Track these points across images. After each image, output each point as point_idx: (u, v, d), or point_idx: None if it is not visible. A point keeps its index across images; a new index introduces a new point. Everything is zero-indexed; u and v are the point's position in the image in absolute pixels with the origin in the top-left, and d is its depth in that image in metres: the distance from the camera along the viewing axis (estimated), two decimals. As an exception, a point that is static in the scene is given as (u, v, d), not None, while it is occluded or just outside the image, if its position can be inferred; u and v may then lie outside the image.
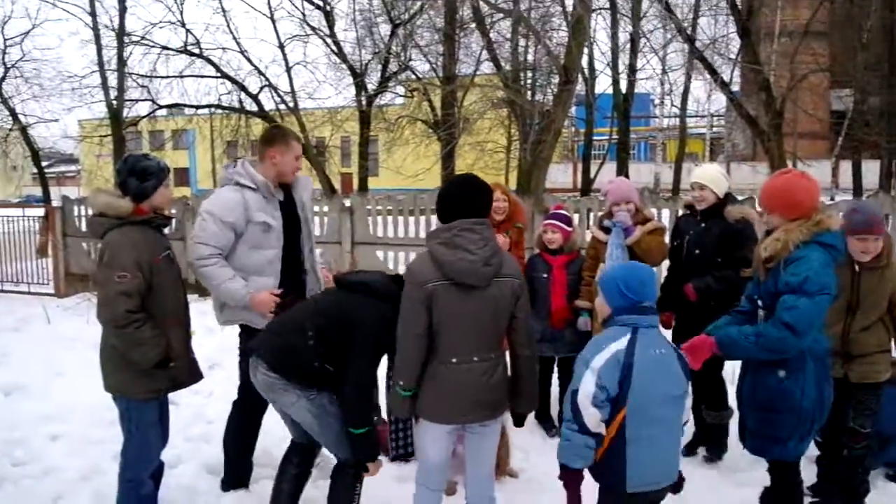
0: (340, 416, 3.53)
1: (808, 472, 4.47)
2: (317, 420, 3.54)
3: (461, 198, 3.24)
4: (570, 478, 3.02)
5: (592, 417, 2.91)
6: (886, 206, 9.04)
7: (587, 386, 2.91)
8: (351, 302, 3.45)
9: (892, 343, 4.18)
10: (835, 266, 3.43)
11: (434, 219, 11.16)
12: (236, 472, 4.57)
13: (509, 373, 3.41)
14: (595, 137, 22.41)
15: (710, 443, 5.07)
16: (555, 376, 5.72)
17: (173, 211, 11.97)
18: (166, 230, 4.09)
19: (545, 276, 5.40)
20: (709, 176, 4.81)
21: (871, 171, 23.71)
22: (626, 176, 15.71)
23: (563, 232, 5.40)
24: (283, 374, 3.49)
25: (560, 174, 29.32)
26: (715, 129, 32.95)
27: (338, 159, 20.87)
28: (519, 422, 3.54)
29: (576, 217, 10.19)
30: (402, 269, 8.76)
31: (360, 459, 3.51)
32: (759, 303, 3.57)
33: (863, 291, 4.07)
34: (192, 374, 4.03)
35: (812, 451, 4.44)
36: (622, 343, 2.95)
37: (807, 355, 3.38)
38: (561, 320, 5.39)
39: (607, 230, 5.20)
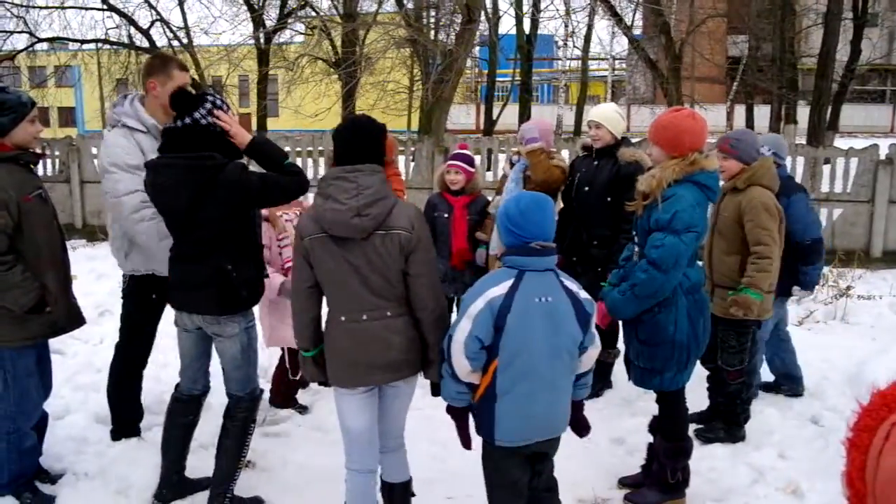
0: (256, 355, 3.69)
1: (699, 401, 4.68)
2: (242, 353, 3.56)
3: (346, 142, 3.03)
4: (454, 414, 3.02)
5: (462, 368, 2.81)
6: (774, 147, 9.40)
7: (460, 334, 2.78)
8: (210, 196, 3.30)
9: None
10: (708, 206, 3.54)
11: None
12: (123, 421, 4.44)
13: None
14: (498, 79, 22.36)
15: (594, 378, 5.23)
16: (454, 315, 5.74)
17: (56, 153, 11.36)
18: (38, 169, 3.84)
19: (446, 216, 5.37)
20: (605, 115, 4.85)
21: (763, 115, 24.65)
22: (529, 117, 15.78)
23: (466, 173, 5.36)
24: (229, 310, 3.47)
25: (463, 115, 29.27)
26: (616, 72, 33.40)
27: (236, 99, 20.13)
28: (436, 391, 3.24)
29: (477, 158, 10.21)
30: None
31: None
32: (636, 239, 3.67)
33: (721, 210, 4.33)
34: (72, 319, 3.85)
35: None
36: (502, 288, 2.79)
37: (678, 290, 3.49)
38: (462, 261, 5.39)
39: (513, 166, 5.24)
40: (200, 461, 3.97)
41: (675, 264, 3.37)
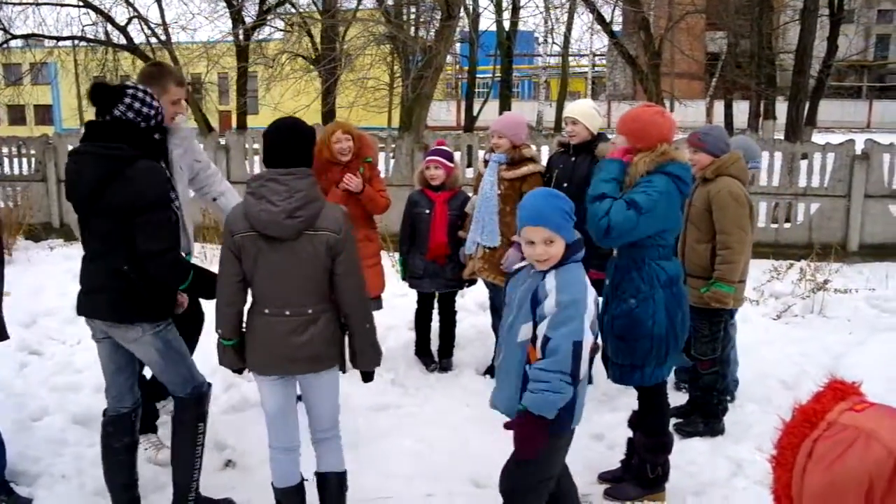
0: (185, 354, 3.54)
1: (677, 395, 4.72)
2: (161, 357, 3.41)
3: (277, 144, 3.10)
4: (542, 424, 2.80)
5: (586, 367, 2.81)
6: (752, 143, 9.49)
7: (588, 336, 2.76)
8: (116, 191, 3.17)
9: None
10: (681, 198, 3.56)
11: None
12: None
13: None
14: (479, 75, 22.39)
15: None
16: (435, 311, 5.74)
17: (32, 151, 11.23)
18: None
19: (427, 212, 5.36)
20: (581, 111, 4.86)
21: (742, 111, 24.84)
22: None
23: (446, 168, 5.36)
24: (127, 317, 3.32)
25: (443, 112, 29.26)
26: (597, 69, 33.56)
27: (215, 97, 20.01)
28: (365, 378, 3.44)
29: (457, 154, 10.20)
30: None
31: (195, 296, 3.52)
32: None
33: (693, 201, 4.36)
34: None
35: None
36: (588, 283, 2.86)
37: (655, 283, 3.51)
38: (442, 256, 5.38)
39: (488, 163, 5.21)
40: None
41: (649, 213, 3.38)
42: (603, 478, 4.04)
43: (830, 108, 29.31)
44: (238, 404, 4.86)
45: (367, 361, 3.33)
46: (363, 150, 5.11)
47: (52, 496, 3.87)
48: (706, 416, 4.55)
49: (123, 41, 16.32)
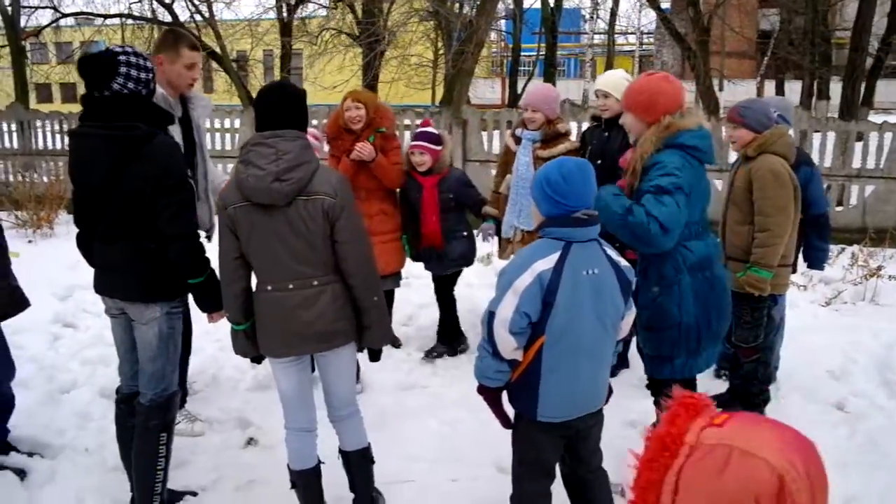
0: (177, 349, 3.38)
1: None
2: (161, 342, 3.27)
3: (265, 108, 2.94)
4: (488, 396, 2.84)
5: (507, 345, 2.64)
6: (804, 122, 9.12)
7: (505, 311, 2.60)
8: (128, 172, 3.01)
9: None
10: (702, 168, 3.29)
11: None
12: None
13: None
14: (524, 53, 22.09)
15: None
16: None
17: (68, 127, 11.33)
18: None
19: (417, 195, 5.13)
20: (612, 83, 4.59)
21: (794, 90, 24.15)
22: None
23: (431, 152, 5.07)
24: (150, 296, 3.22)
25: (488, 90, 28.92)
26: (644, 47, 32.88)
27: (260, 73, 20.08)
28: (372, 356, 3.30)
29: (495, 132, 10.02)
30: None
31: (203, 310, 3.33)
32: None
33: (735, 180, 4.14)
34: (13, 303, 3.69)
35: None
36: (549, 262, 2.60)
37: (682, 267, 3.25)
38: (437, 241, 5.15)
39: (519, 140, 5.01)
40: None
41: (677, 225, 3.11)
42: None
43: (889, 89, 28.23)
44: (264, 381, 4.80)
45: (375, 338, 3.16)
46: (378, 121, 4.89)
47: (75, 469, 3.87)
48: (746, 405, 4.33)
49: (169, 18, 16.45)
